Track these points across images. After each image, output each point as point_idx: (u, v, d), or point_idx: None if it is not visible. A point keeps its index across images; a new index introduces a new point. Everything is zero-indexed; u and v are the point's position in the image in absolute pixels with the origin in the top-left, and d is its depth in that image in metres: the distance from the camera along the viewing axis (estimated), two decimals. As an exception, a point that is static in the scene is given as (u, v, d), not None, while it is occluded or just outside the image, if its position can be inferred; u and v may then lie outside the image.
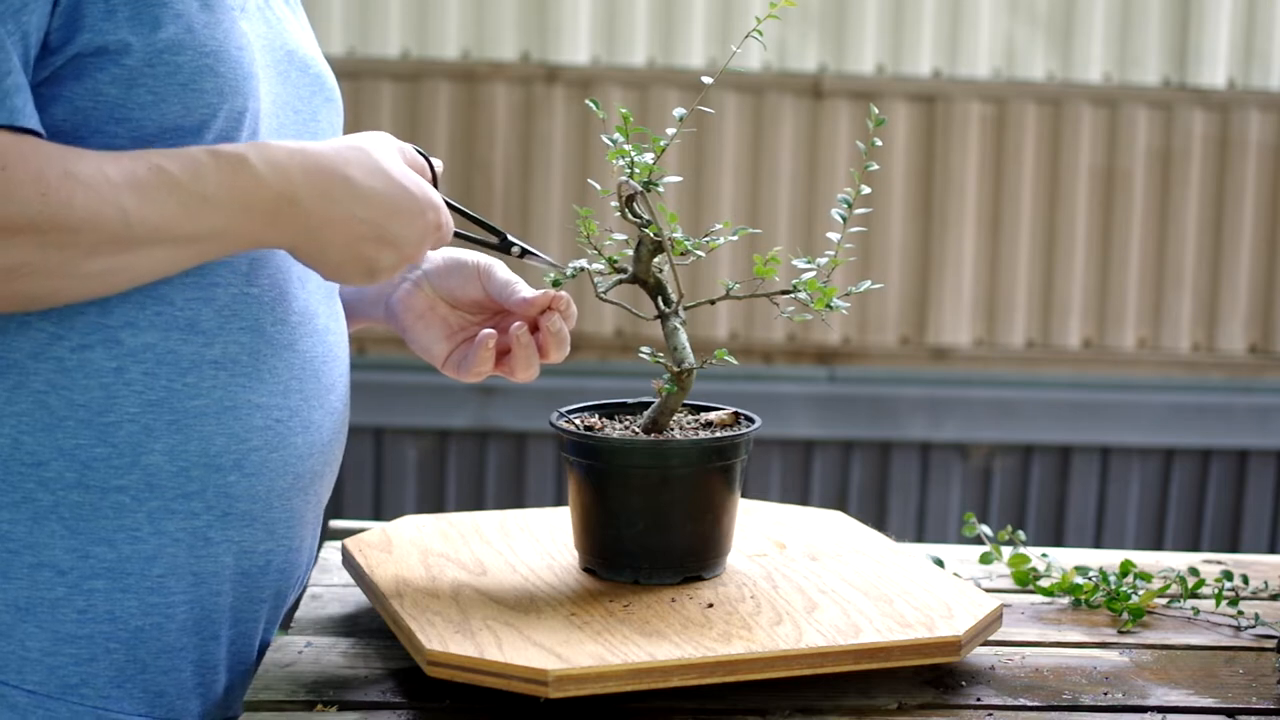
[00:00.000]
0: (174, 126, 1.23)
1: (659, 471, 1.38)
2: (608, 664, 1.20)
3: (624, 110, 1.38)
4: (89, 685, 1.27)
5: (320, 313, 1.38)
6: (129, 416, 1.25)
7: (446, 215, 1.33)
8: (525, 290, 1.44)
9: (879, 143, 1.40)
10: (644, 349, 1.42)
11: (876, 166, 1.41)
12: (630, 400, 1.51)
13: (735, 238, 1.41)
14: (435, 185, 1.38)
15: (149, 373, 1.25)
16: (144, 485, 1.26)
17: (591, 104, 1.40)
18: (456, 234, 1.41)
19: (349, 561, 1.49)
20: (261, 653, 1.40)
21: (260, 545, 1.34)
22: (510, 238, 1.45)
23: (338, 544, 1.62)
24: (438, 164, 1.39)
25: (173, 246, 1.21)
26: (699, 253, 1.39)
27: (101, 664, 1.28)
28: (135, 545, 1.27)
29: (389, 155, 1.30)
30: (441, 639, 1.25)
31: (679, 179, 1.46)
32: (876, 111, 1.39)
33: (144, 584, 1.28)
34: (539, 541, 1.53)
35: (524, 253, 1.46)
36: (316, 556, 1.63)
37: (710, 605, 1.34)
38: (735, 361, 1.42)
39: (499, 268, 1.47)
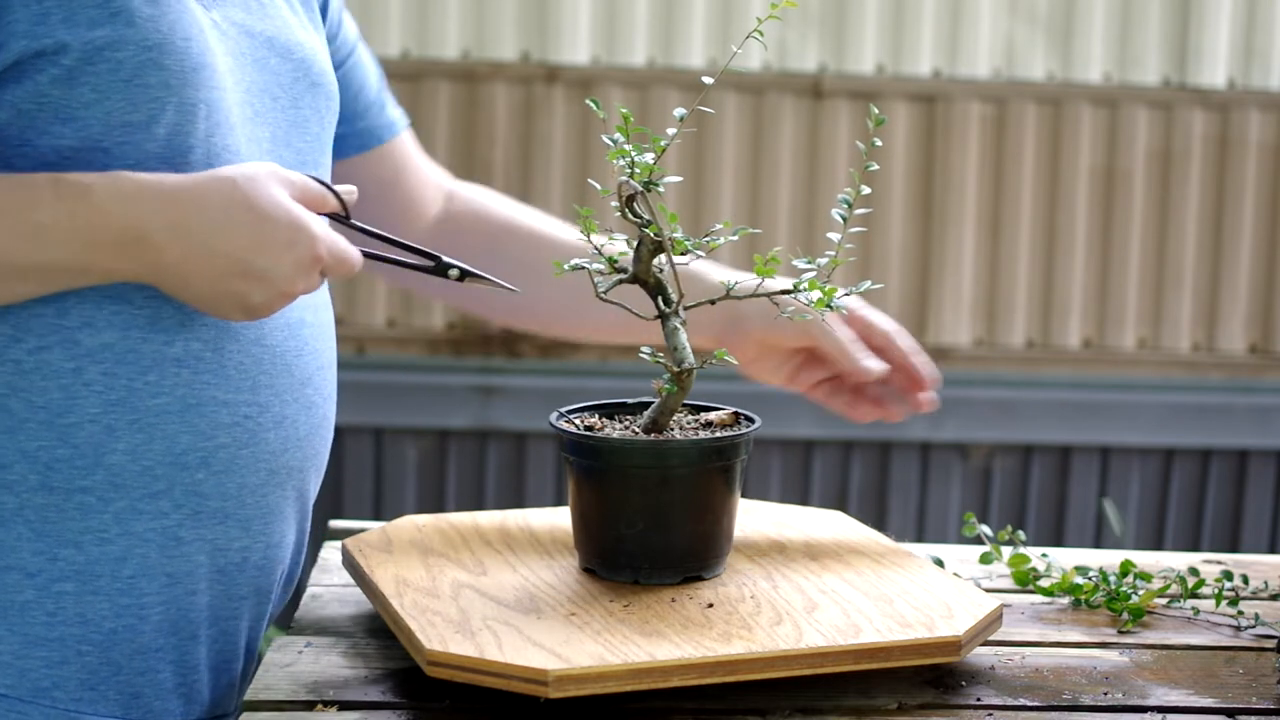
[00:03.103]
0: (121, 123, 1.22)
1: (659, 471, 1.38)
2: (608, 664, 1.20)
3: (624, 110, 1.38)
4: (61, 688, 1.27)
5: (291, 306, 1.36)
6: (90, 417, 1.24)
7: (328, 245, 1.27)
8: (868, 361, 1.54)
9: (879, 143, 1.40)
10: (644, 349, 1.42)
11: (876, 166, 1.41)
12: (630, 400, 1.51)
13: (735, 238, 1.41)
14: (347, 214, 1.33)
15: (108, 372, 1.24)
16: (109, 485, 1.25)
17: (592, 104, 1.40)
18: (387, 260, 1.38)
19: (349, 561, 1.49)
20: (249, 651, 1.40)
21: (235, 542, 1.33)
22: (446, 259, 1.40)
23: (338, 544, 1.62)
24: (348, 191, 1.34)
25: (12, 276, 1.20)
26: (699, 253, 1.39)
27: (73, 667, 1.27)
28: (103, 547, 1.26)
29: (260, 186, 1.24)
30: (441, 639, 1.25)
31: (679, 179, 1.46)
32: (876, 111, 1.39)
33: (115, 585, 1.27)
34: (539, 541, 1.53)
35: (464, 274, 1.41)
36: (316, 556, 1.63)
37: (710, 605, 1.34)
38: (735, 361, 1.42)
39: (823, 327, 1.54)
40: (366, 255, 1.34)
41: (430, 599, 1.35)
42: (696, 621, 1.30)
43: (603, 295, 1.42)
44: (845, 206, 1.38)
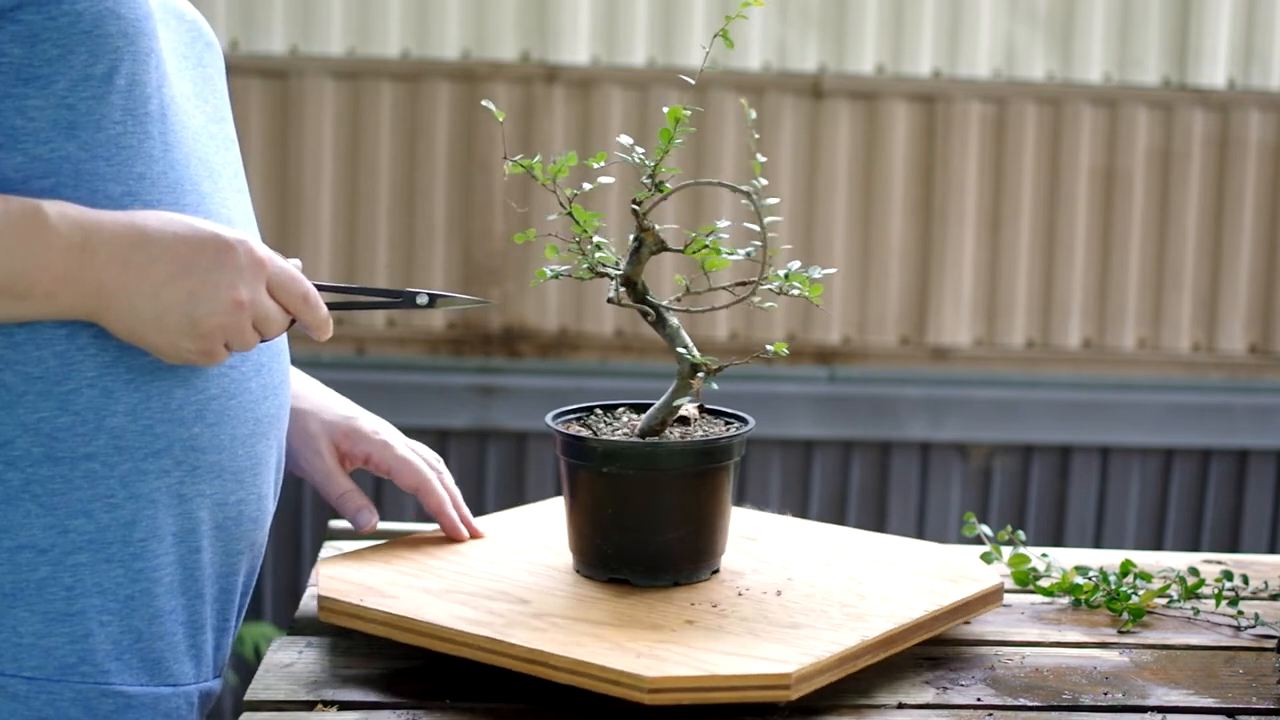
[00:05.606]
0: (83, 77, 1.23)
1: (653, 473, 1.38)
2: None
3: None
4: (88, 663, 1.27)
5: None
6: (87, 381, 1.25)
7: (266, 252, 1.29)
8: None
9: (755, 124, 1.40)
10: (687, 349, 1.42)
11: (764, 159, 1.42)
12: (628, 401, 1.51)
13: (739, 256, 1.42)
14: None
15: (100, 334, 1.25)
16: (112, 449, 1.26)
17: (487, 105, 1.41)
18: (356, 306, 1.40)
19: (337, 612, 1.38)
20: (239, 613, 1.41)
21: (231, 496, 1.34)
22: (411, 289, 1.42)
23: (338, 544, 1.62)
24: (293, 262, 1.35)
25: None
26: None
27: (97, 639, 1.27)
28: (113, 513, 1.26)
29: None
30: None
31: (676, 188, 1.46)
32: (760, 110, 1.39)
33: (127, 551, 1.27)
34: (524, 546, 1.53)
35: (433, 299, 1.43)
36: (316, 557, 1.63)
37: (741, 592, 1.35)
38: (785, 352, 1.43)
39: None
40: (333, 307, 1.36)
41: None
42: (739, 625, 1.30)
43: (613, 300, 1.42)
44: (751, 196, 1.39)
